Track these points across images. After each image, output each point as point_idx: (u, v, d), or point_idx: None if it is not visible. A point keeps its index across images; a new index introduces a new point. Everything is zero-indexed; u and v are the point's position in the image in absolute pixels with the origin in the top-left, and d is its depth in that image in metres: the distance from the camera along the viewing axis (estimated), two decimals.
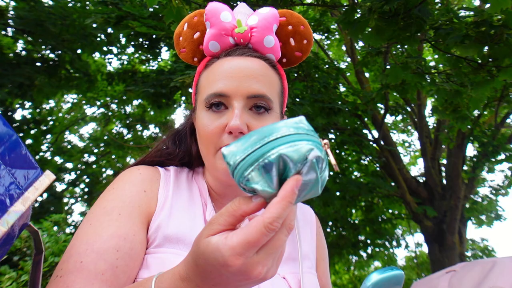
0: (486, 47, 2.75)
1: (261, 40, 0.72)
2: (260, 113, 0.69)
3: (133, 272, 0.63)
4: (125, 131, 10.28)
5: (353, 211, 8.43)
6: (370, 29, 2.67)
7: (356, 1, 2.87)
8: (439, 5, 3.29)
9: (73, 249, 0.62)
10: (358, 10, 2.77)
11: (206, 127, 0.69)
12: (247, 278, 0.43)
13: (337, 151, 7.55)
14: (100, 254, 0.60)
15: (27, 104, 7.73)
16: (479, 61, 3.01)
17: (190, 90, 4.83)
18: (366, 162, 7.75)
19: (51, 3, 5.89)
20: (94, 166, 10.52)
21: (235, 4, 3.39)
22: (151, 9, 4.93)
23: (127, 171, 0.75)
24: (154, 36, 5.41)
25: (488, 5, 2.50)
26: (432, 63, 6.51)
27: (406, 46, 4.60)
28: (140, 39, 5.73)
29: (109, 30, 5.99)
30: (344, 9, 2.82)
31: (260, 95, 0.68)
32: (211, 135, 0.68)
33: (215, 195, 0.77)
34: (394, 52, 5.00)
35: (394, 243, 8.42)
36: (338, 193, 7.27)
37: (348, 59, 7.39)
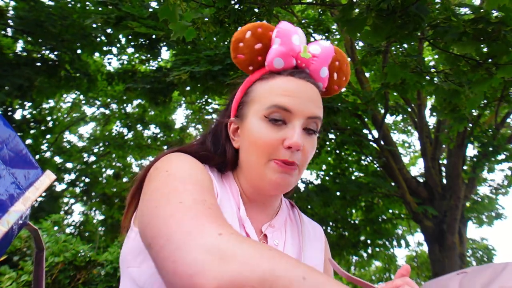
0: (484, 45, 2.76)
1: (319, 69, 0.78)
2: (310, 134, 0.75)
3: None
4: (125, 131, 10.29)
5: (353, 211, 8.44)
6: (368, 27, 2.67)
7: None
8: (438, 2, 3.29)
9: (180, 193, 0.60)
10: (356, 9, 2.78)
11: (264, 137, 0.72)
12: None
13: (337, 151, 7.56)
14: (211, 196, 0.61)
15: (27, 104, 7.74)
16: (478, 59, 3.01)
17: (187, 88, 4.83)
18: (366, 162, 7.76)
19: (51, 3, 5.89)
20: (94, 166, 10.52)
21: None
22: (150, 10, 4.93)
23: (181, 155, 0.74)
24: (153, 36, 5.41)
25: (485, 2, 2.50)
26: (431, 63, 6.52)
27: (405, 45, 4.61)
28: (140, 40, 5.73)
29: (109, 30, 5.99)
30: (342, 7, 2.82)
31: (317, 116, 0.75)
32: (268, 146, 0.72)
33: (245, 199, 0.80)
34: (394, 53, 5.00)
35: (395, 243, 8.42)
36: (338, 193, 7.27)
37: (348, 59, 7.38)
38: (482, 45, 2.78)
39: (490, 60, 2.93)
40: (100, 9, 5.17)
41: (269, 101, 0.73)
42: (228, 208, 0.74)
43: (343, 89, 6.79)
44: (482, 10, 2.74)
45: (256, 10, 3.16)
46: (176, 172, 0.66)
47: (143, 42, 5.75)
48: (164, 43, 5.82)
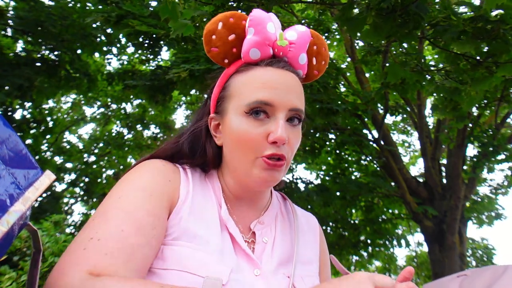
0: (484, 43, 2.76)
1: (297, 56, 0.76)
2: (294, 125, 0.72)
3: (154, 256, 0.63)
4: (125, 131, 10.29)
5: (353, 211, 8.44)
6: (368, 26, 2.67)
7: None
8: (437, 1, 3.29)
9: (108, 214, 0.61)
10: (356, 8, 2.78)
11: (247, 133, 0.69)
12: None
13: (337, 151, 7.56)
14: (140, 228, 0.60)
15: (27, 104, 7.74)
16: (478, 58, 3.01)
17: (188, 86, 4.82)
18: (366, 162, 7.76)
19: (51, 3, 5.89)
20: (94, 166, 10.52)
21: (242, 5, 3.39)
22: (151, 8, 4.94)
23: (149, 161, 0.75)
24: (154, 35, 5.41)
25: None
26: (431, 63, 6.52)
27: (405, 45, 4.61)
28: (140, 38, 5.73)
29: (109, 30, 5.99)
30: (342, 6, 2.82)
31: (299, 109, 0.72)
32: (252, 142, 0.69)
33: (231, 197, 0.78)
34: (394, 52, 5.00)
35: (395, 242, 8.42)
36: (338, 193, 7.27)
37: (348, 59, 7.38)
38: (481, 44, 2.78)
39: (490, 59, 2.93)
40: (100, 7, 5.17)
41: (249, 95, 0.70)
42: (209, 209, 0.73)
43: (343, 89, 6.77)
44: (481, 9, 2.74)
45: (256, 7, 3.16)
46: (142, 180, 0.68)
47: (144, 41, 5.75)
48: (165, 42, 5.82)
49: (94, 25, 5.89)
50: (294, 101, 0.71)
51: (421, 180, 7.03)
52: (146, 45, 5.81)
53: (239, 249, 0.71)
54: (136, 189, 0.66)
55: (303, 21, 6.09)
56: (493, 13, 2.77)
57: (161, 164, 0.74)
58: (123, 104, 9.76)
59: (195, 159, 0.79)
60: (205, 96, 0.86)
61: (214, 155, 0.79)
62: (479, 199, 8.67)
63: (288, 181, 7.57)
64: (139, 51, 6.89)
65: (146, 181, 0.68)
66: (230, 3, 3.17)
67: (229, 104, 0.74)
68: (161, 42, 5.75)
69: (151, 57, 6.96)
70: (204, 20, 3.14)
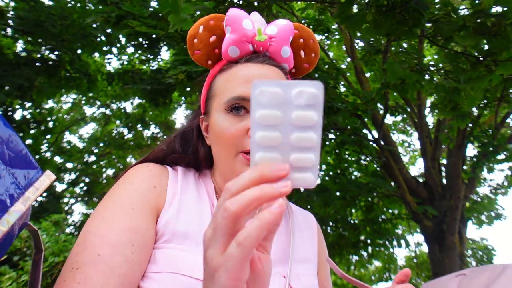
0: (484, 41, 2.75)
1: (279, 50, 0.76)
2: None
3: (145, 266, 0.64)
4: (125, 131, 10.29)
5: (353, 211, 8.43)
6: (367, 24, 2.67)
7: None
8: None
9: (87, 241, 0.62)
10: (355, 5, 2.77)
11: (227, 130, 0.70)
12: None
13: (337, 151, 7.56)
14: (116, 248, 0.61)
15: (27, 104, 7.73)
16: (478, 56, 3.00)
17: (188, 89, 4.82)
18: (366, 162, 7.76)
19: (51, 3, 5.89)
20: (94, 166, 10.52)
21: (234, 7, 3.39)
22: (151, 9, 4.93)
23: (136, 167, 0.76)
24: (154, 36, 5.41)
25: None
26: (431, 63, 6.51)
27: (405, 45, 4.60)
28: (140, 39, 5.73)
29: (109, 30, 5.99)
30: (340, 3, 2.80)
31: None
32: (232, 138, 0.70)
33: None
34: (395, 53, 5.00)
35: (395, 242, 8.42)
36: (338, 193, 7.27)
37: (348, 59, 7.38)
38: (482, 40, 2.77)
39: (489, 57, 2.92)
40: (100, 8, 5.16)
41: (228, 92, 0.71)
42: (201, 210, 0.73)
43: (343, 89, 6.76)
44: (481, 4, 2.73)
45: (256, 4, 3.15)
46: (124, 193, 0.69)
47: (143, 42, 5.75)
48: (164, 43, 5.81)
49: (94, 25, 5.89)
50: None
51: (421, 180, 7.03)
52: (145, 45, 5.81)
53: None
54: (115, 207, 0.66)
55: (303, 21, 6.09)
56: (493, 9, 2.76)
57: (147, 169, 0.75)
58: (123, 104, 9.77)
59: (187, 159, 0.80)
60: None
61: (205, 154, 0.80)
62: (479, 199, 8.67)
63: None
64: (139, 52, 6.89)
65: (128, 194, 0.69)
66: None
67: (213, 104, 0.76)
68: (161, 43, 5.75)
69: (151, 57, 6.96)
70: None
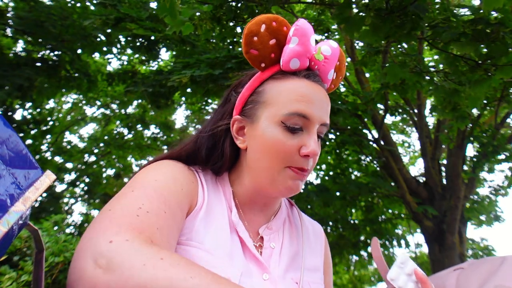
0: (483, 46, 2.76)
1: (328, 71, 0.77)
2: (319, 139, 0.76)
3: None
4: (125, 131, 10.28)
5: (353, 211, 8.43)
6: (366, 27, 2.67)
7: None
8: (437, 1, 3.28)
9: (148, 190, 0.63)
10: (354, 6, 2.77)
11: (281, 144, 0.70)
12: None
13: (337, 151, 7.56)
14: (172, 212, 0.62)
15: (27, 105, 7.74)
16: (477, 60, 3.01)
17: (188, 90, 4.82)
18: (366, 162, 7.75)
19: (51, 3, 5.89)
20: (94, 166, 10.52)
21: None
22: (149, 11, 4.94)
23: (167, 162, 0.75)
24: (152, 38, 5.41)
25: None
26: (431, 64, 6.51)
27: (405, 45, 4.61)
28: (138, 41, 5.73)
29: (109, 30, 5.99)
30: (339, 5, 2.80)
31: (328, 124, 0.75)
32: (284, 153, 0.71)
33: (243, 200, 0.79)
34: (394, 52, 5.00)
35: (395, 242, 8.42)
36: (338, 193, 7.27)
37: (348, 59, 7.38)
38: (481, 46, 2.78)
39: (488, 61, 2.93)
40: (98, 10, 5.17)
41: (288, 106, 0.71)
42: (220, 212, 0.73)
43: (343, 89, 6.77)
44: (481, 11, 2.74)
45: (255, 8, 3.15)
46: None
47: (142, 44, 5.75)
48: (163, 45, 5.82)
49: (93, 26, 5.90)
50: (325, 116, 0.73)
51: (421, 180, 7.02)
52: (144, 47, 5.81)
53: (248, 253, 0.71)
54: (168, 178, 0.68)
55: None
56: (492, 16, 2.77)
57: (181, 165, 0.75)
58: (124, 106, 9.76)
59: (209, 163, 0.79)
60: (226, 95, 0.84)
61: (230, 157, 0.79)
62: (479, 199, 8.67)
63: None
64: (138, 53, 6.90)
65: (177, 172, 0.71)
66: (228, 3, 3.17)
67: (263, 111, 0.74)
68: (160, 45, 5.75)
69: (150, 59, 6.97)
70: (203, 19, 3.13)
